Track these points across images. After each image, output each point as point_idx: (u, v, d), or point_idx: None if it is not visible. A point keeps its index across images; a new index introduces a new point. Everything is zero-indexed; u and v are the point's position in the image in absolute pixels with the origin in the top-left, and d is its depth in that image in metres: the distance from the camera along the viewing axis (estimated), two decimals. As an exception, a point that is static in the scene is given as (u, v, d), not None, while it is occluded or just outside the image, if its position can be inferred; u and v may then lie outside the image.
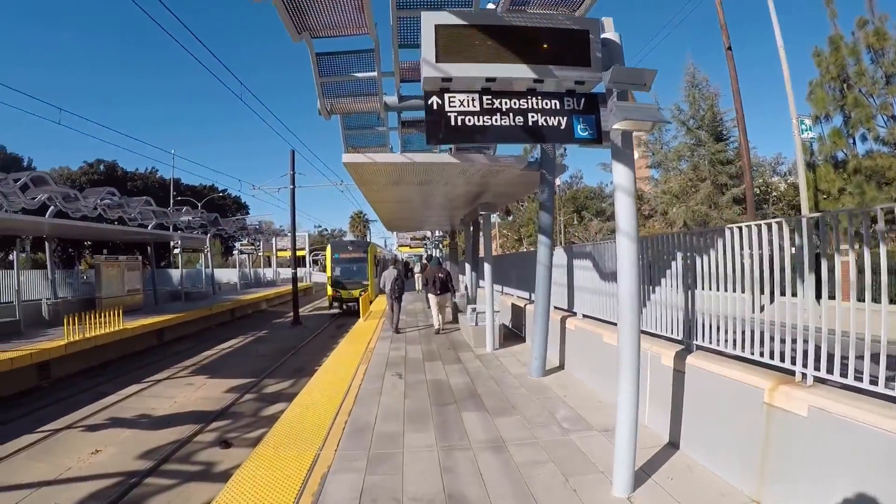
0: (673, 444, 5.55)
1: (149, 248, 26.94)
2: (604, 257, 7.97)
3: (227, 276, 41.28)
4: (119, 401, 12.72)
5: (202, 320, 24.49)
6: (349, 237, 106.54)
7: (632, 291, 4.56)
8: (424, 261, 19.20)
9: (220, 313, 26.75)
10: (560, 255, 9.79)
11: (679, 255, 5.84)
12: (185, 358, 18.09)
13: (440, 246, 34.95)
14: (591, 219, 66.86)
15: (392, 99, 7.32)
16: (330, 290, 29.79)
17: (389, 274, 16.05)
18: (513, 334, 13.09)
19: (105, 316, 17.13)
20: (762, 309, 4.75)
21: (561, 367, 9.37)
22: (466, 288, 18.12)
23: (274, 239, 49.42)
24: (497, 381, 8.71)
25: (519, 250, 52.75)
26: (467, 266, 15.61)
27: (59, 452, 9.08)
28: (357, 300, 24.60)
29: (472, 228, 16.03)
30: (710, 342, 5.30)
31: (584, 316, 8.84)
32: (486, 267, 11.44)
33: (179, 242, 27.61)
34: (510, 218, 72.83)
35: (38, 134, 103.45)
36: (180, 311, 23.65)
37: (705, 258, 5.38)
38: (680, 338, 5.85)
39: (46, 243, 20.08)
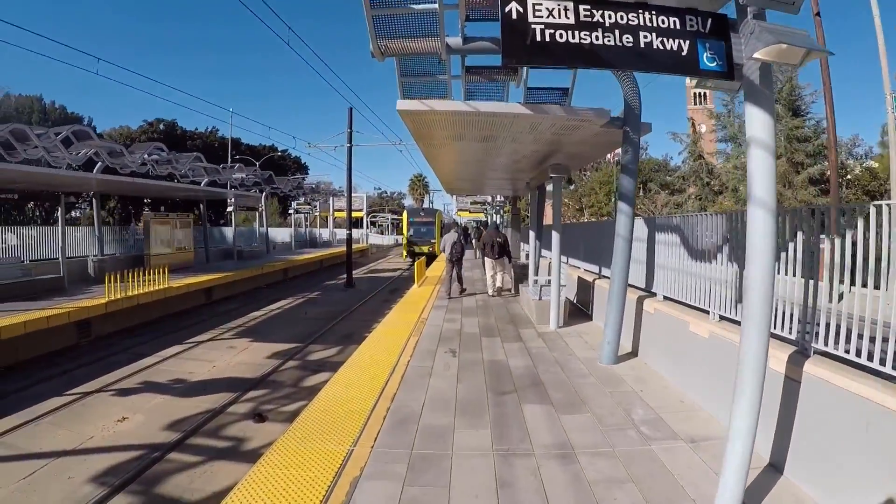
0: (775, 468, 4.43)
1: (201, 205, 26.86)
2: (695, 231, 6.73)
3: (281, 235, 41.49)
4: (156, 363, 12.40)
5: (252, 280, 24.38)
6: (408, 200, 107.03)
7: (765, 281, 3.43)
8: (480, 227, 18.69)
9: (272, 273, 26.63)
10: (640, 227, 8.55)
11: (800, 236, 4.62)
12: (231, 319, 17.86)
13: (501, 212, 33.73)
14: (658, 191, 63.86)
15: (455, 40, 6.21)
16: (406, 246, 39.44)
17: (450, 237, 15.58)
18: (578, 311, 11.96)
19: (153, 273, 17.02)
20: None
21: (634, 353, 8.25)
22: (527, 257, 17.01)
23: (331, 199, 49.40)
24: (563, 367, 7.69)
25: (580, 221, 50.87)
26: (531, 234, 14.48)
27: (85, 419, 8.67)
28: (425, 253, 33.17)
29: (537, 193, 14.84)
30: (835, 347, 4.11)
31: (666, 298, 7.66)
32: (555, 236, 10.31)
33: (233, 200, 27.52)
34: (572, 187, 70.53)
35: (103, 97, 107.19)
36: (231, 269, 23.56)
37: (838, 241, 4.14)
38: (793, 337, 4.66)
39: (94, 199, 20.14)
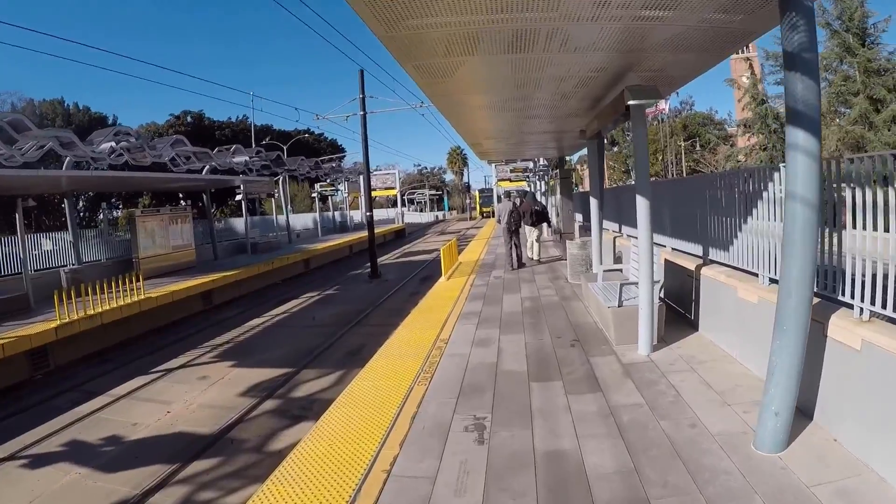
0: None
1: (204, 196, 23.65)
2: None
3: (304, 222, 38.26)
4: (101, 408, 9.38)
5: (262, 277, 21.07)
6: (449, 175, 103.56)
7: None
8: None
9: (288, 266, 23.28)
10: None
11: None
12: (224, 330, 14.68)
13: (547, 179, 29.26)
14: (718, 142, 57.87)
15: None
16: (479, 209, 72.74)
17: (505, 206, 14.84)
18: (671, 313, 7.92)
19: (136, 281, 14.13)
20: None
21: (807, 415, 4.31)
22: (581, 235, 13.10)
23: (360, 178, 45.71)
24: (689, 467, 3.80)
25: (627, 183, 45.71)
26: (593, 203, 10.49)
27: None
28: (489, 212, 58.51)
29: (596, 146, 10.79)
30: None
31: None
32: (641, 204, 6.23)
33: (242, 187, 24.27)
34: (615, 149, 65.04)
35: (126, 94, 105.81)
36: (239, 266, 20.35)
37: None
38: None
39: (66, 200, 17.05)
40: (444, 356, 6.87)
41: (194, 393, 9.90)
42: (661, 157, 58.66)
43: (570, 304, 9.41)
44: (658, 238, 9.14)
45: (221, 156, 21.52)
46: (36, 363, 11.32)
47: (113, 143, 15.40)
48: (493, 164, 42.68)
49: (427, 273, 22.28)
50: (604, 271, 8.01)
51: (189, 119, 52.97)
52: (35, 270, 15.97)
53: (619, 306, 6.69)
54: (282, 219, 30.87)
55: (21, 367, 10.92)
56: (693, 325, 7.17)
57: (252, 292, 20.12)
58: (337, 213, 44.84)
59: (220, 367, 11.42)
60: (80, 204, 38.01)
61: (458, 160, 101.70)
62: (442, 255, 13.91)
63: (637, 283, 6.62)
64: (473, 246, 22.63)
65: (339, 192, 48.88)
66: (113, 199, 41.82)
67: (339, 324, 14.39)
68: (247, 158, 22.94)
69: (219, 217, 32.95)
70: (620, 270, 8.64)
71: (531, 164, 32.33)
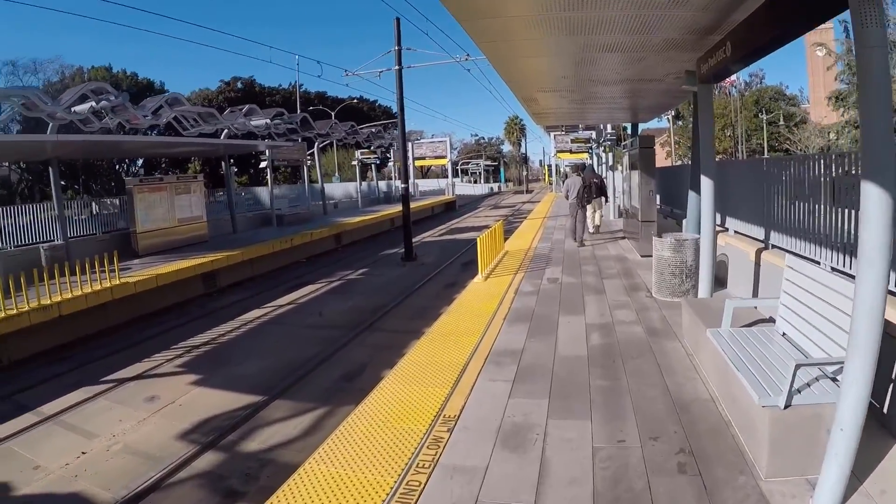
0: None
1: (223, 162, 21.00)
2: None
3: (344, 191, 35.33)
4: (10, 435, 7.16)
5: (278, 255, 18.35)
6: (507, 146, 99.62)
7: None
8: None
9: (312, 243, 20.47)
10: None
11: None
12: (211, 324, 12.13)
13: (613, 152, 25.10)
14: (804, 116, 51.43)
15: None
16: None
17: (573, 182, 14.29)
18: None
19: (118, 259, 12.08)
20: None
21: None
22: (676, 241, 9.65)
23: (410, 145, 42.57)
24: None
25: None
26: (705, 184, 6.99)
27: None
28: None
29: (695, 102, 7.25)
30: None
31: None
32: (873, 195, 2.83)
33: (268, 153, 21.55)
34: (680, 122, 59.20)
35: (176, 58, 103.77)
36: (251, 242, 17.72)
37: None
38: None
39: (50, 168, 14.63)
40: (438, 468, 3.70)
41: (129, 423, 7.36)
42: (728, 133, 52.88)
43: (662, 345, 5.98)
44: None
45: (232, 117, 18.64)
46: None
47: (93, 103, 12.71)
48: (552, 134, 38.65)
49: (471, 256, 18.96)
50: (734, 308, 4.61)
51: (239, 85, 51.35)
52: (14, 247, 13.90)
53: (785, 407, 3.32)
54: (317, 188, 28.10)
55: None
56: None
57: (267, 272, 17.54)
58: (382, 183, 41.93)
59: (177, 384, 8.78)
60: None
61: (516, 130, 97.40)
62: (479, 246, 10.61)
63: (831, 362, 3.25)
64: (526, 227, 19.24)
65: (390, 161, 46.22)
66: (163, 166, 40.29)
67: (348, 325, 11.46)
68: (267, 121, 20.01)
69: (242, 186, 30.57)
70: (771, 319, 5.12)
71: (593, 134, 28.34)
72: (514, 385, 5.11)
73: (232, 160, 25.09)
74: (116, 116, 13.52)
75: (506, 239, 15.29)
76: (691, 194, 8.86)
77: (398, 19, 18.55)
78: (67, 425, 7.42)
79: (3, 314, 9.54)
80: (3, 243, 13.56)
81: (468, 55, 23.54)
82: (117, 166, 40.27)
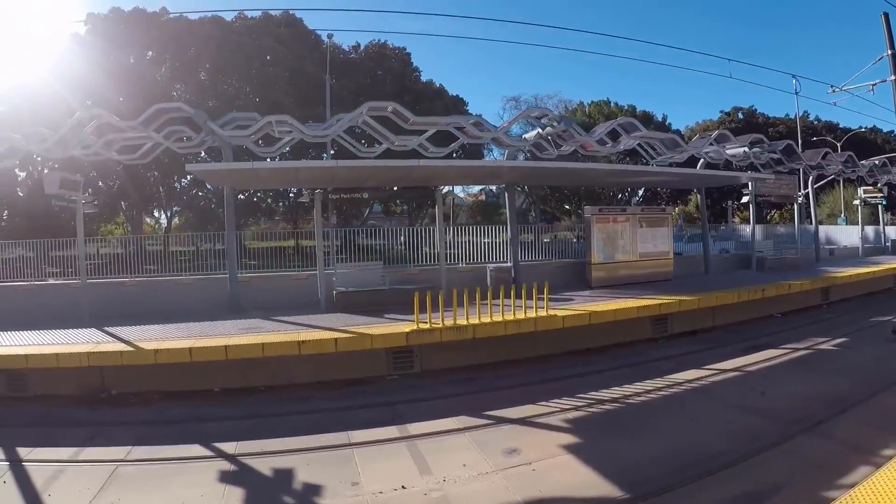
0: None
1: (697, 195, 18.74)
2: None
3: (846, 235, 27.84)
4: None
5: (747, 306, 14.95)
6: None
7: None
8: None
9: (790, 296, 16.06)
10: None
11: None
12: (630, 378, 10.28)
13: None
14: None
15: None
16: None
17: None
18: None
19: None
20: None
21: None
22: None
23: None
24: None
25: None
26: None
27: None
28: None
29: None
30: None
31: None
32: None
33: (751, 186, 18.32)
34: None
35: (675, 94, 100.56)
36: (713, 287, 15.15)
37: None
38: None
39: (506, 192, 15.71)
40: None
41: (469, 472, 6.50)
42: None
43: None
44: None
45: (700, 143, 16.18)
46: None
47: (539, 130, 12.83)
48: None
49: None
50: None
51: (740, 115, 48.32)
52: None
53: None
54: (810, 230, 22.71)
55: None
56: None
57: (730, 325, 14.53)
58: (891, 229, 31.00)
59: (550, 442, 7.42)
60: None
61: None
62: None
63: None
64: None
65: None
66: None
67: (787, 417, 7.87)
68: (745, 149, 16.75)
69: (723, 223, 26.93)
70: None
71: None
72: None
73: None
74: (565, 143, 13.24)
75: None
76: None
77: (886, 14, 12.88)
78: (416, 452, 7.10)
79: (426, 325, 10.38)
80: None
81: None
82: (619, 195, 42.38)
